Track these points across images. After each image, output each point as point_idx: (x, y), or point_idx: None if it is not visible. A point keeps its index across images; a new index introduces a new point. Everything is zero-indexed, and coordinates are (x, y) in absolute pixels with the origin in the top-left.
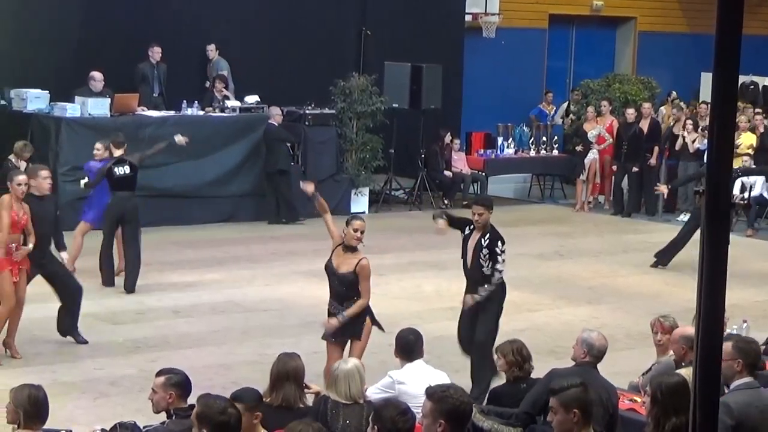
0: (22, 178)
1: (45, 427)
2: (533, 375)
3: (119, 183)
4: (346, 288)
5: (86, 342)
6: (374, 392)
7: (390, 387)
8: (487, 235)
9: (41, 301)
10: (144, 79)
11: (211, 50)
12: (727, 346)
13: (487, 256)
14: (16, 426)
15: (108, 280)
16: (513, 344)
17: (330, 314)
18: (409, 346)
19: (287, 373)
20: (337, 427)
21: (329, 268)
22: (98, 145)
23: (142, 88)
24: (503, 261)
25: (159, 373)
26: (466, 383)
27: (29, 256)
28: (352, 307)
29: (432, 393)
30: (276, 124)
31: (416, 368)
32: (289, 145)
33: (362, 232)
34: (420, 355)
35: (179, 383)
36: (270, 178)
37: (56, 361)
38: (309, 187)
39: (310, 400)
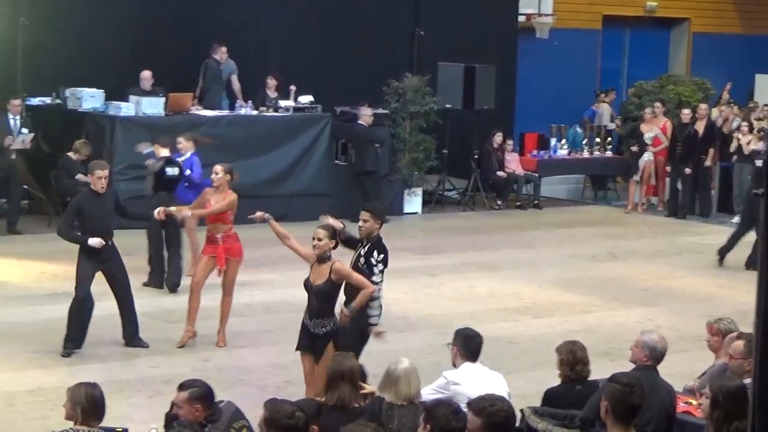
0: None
1: (101, 425)
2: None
3: (167, 183)
4: (320, 302)
5: (147, 346)
6: (428, 393)
7: (444, 387)
8: (369, 245)
9: (96, 299)
10: (215, 79)
11: (222, 53)
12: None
13: (364, 266)
14: (74, 423)
15: (157, 282)
16: (571, 345)
17: (304, 327)
18: (475, 346)
19: (342, 373)
20: (391, 428)
21: (307, 284)
22: (180, 139)
23: (213, 87)
24: (379, 272)
25: (180, 387)
26: (519, 385)
27: (92, 251)
28: (357, 298)
29: (480, 409)
30: (366, 125)
31: (473, 369)
32: (378, 145)
33: (320, 239)
34: (478, 358)
35: (202, 396)
36: (357, 178)
37: (111, 359)
38: (258, 216)
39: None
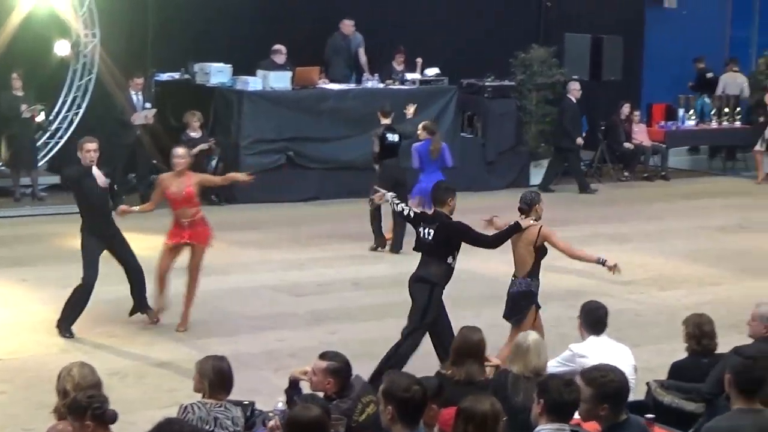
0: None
1: (228, 397)
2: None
3: (390, 150)
4: None
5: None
6: (554, 365)
7: (570, 360)
8: None
9: (223, 273)
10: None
11: (348, 26)
12: None
13: None
14: (202, 395)
15: (384, 244)
16: (698, 318)
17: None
18: (598, 319)
19: (470, 348)
20: (516, 400)
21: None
22: (419, 127)
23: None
24: None
25: (322, 356)
26: (646, 357)
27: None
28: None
29: (592, 379)
30: (574, 100)
31: (599, 342)
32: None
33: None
34: (604, 329)
35: (338, 371)
36: (560, 153)
37: (238, 333)
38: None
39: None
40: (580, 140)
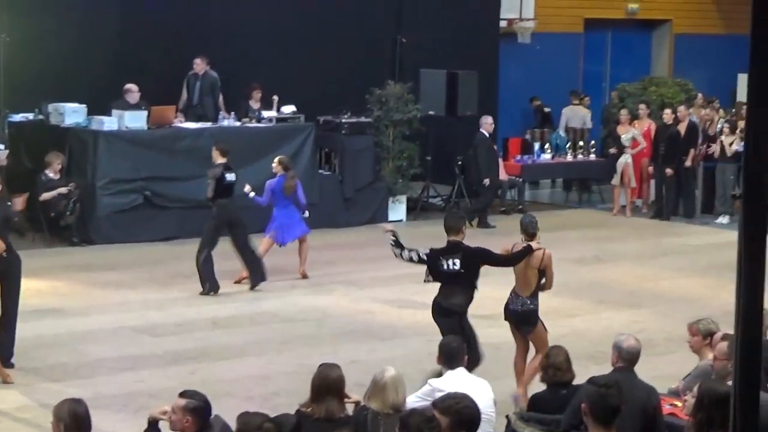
0: None
1: None
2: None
3: (226, 189)
4: None
5: (12, 366)
6: (414, 401)
7: (430, 395)
8: None
9: (82, 315)
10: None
11: (198, 63)
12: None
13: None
14: None
15: (213, 287)
16: (549, 349)
17: None
18: (452, 354)
19: (328, 385)
20: None
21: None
22: (274, 161)
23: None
24: None
25: (181, 395)
26: (505, 391)
27: None
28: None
29: (447, 408)
30: (487, 134)
31: (457, 376)
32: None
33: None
34: (462, 363)
35: (196, 410)
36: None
37: (97, 374)
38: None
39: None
40: (486, 180)
